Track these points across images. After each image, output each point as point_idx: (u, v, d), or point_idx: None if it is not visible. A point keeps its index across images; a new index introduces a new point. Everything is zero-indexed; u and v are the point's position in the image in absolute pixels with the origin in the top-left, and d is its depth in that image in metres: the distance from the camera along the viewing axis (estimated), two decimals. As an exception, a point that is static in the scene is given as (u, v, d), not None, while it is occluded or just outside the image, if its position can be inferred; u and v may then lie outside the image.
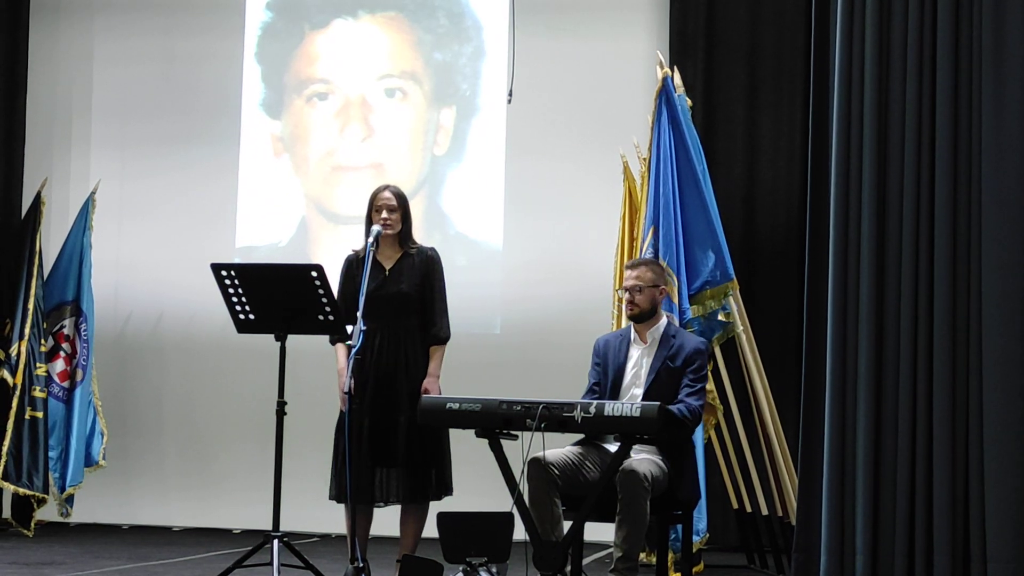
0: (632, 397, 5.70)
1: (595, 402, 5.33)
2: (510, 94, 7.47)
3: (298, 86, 8.74)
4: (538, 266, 8.21)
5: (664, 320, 5.86)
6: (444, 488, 6.02)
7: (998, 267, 5.64)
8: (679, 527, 6.00)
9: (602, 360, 5.85)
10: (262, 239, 8.65)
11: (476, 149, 8.46)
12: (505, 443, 5.44)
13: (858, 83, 5.94)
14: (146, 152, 8.76)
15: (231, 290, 5.88)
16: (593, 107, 8.21)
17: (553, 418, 5.26)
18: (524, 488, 5.38)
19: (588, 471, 5.58)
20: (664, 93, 7.03)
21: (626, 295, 5.78)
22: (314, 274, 5.75)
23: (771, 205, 7.79)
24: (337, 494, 5.96)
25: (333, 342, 6.07)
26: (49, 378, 8.15)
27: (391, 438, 5.92)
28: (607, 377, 5.79)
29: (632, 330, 5.85)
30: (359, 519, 5.84)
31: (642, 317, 5.78)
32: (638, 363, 5.77)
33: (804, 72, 7.46)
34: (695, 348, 5.74)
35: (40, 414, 8.05)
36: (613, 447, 5.57)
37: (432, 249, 6.17)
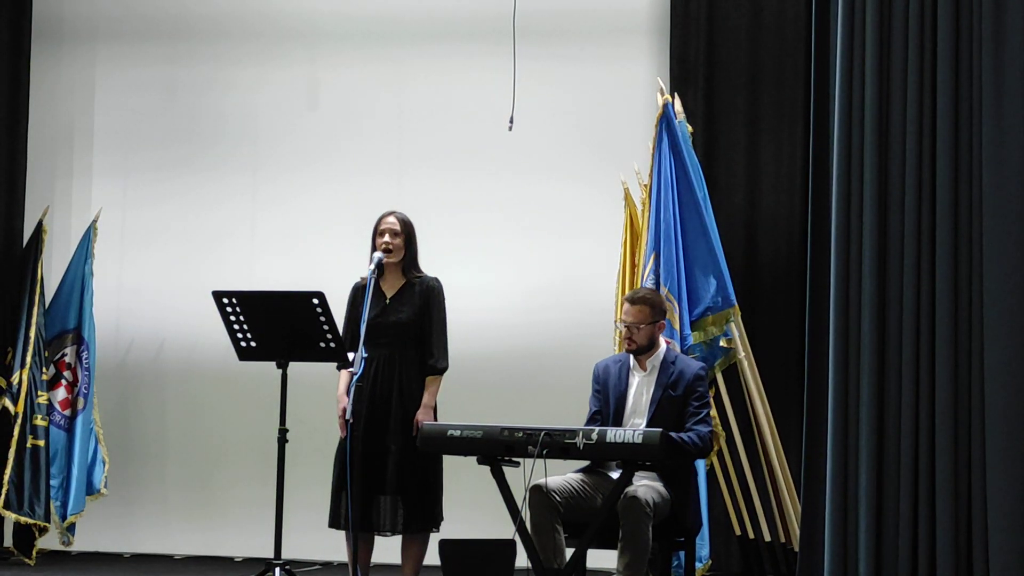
0: (634, 426, 5.69)
1: (597, 428, 5.31)
2: (511, 120, 7.48)
3: (301, 114, 8.73)
4: (538, 292, 8.19)
5: (663, 347, 5.87)
6: (432, 519, 5.99)
7: (1000, 295, 5.64)
8: (682, 554, 5.98)
9: (602, 387, 5.85)
10: (265, 266, 8.63)
11: (477, 175, 8.44)
12: (507, 470, 5.42)
13: (858, 109, 5.96)
14: (148, 180, 8.75)
15: (232, 317, 5.89)
16: (594, 133, 8.21)
17: (555, 445, 5.25)
18: (526, 515, 5.37)
19: (590, 498, 5.57)
20: (665, 119, 7.06)
21: (624, 330, 5.79)
22: (315, 301, 5.75)
23: (772, 231, 7.77)
24: (333, 521, 5.96)
25: (340, 368, 6.08)
26: (50, 406, 8.13)
27: (381, 465, 5.91)
28: (609, 406, 5.79)
29: (631, 357, 5.85)
30: (360, 547, 5.83)
31: (640, 352, 5.79)
32: (639, 391, 5.77)
33: (805, 99, 7.46)
34: (695, 375, 5.74)
35: (41, 442, 8.02)
36: (615, 474, 5.56)
37: (435, 279, 6.18)
